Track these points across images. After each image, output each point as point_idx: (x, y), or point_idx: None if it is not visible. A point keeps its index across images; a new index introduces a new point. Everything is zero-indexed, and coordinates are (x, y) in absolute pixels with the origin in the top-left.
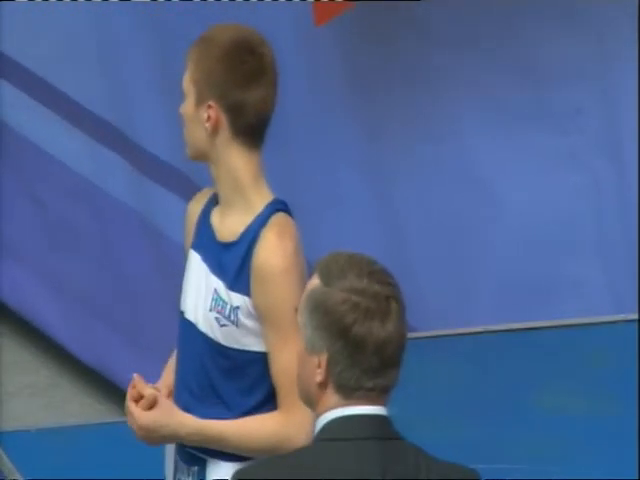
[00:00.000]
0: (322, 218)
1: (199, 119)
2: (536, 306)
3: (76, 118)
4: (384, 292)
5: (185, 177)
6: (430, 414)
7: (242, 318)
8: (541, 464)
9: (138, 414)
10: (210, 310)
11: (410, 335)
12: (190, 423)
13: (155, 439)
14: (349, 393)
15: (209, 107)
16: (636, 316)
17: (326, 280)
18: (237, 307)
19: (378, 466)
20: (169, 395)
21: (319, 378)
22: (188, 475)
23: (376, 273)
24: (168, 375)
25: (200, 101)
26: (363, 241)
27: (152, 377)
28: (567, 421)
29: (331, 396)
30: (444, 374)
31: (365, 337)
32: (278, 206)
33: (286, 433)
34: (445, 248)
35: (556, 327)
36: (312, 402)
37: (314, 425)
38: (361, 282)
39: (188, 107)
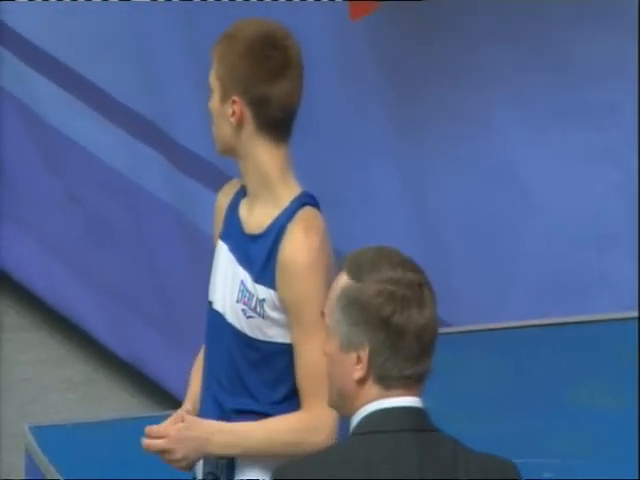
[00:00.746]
0: (355, 214)
1: (225, 114)
2: (571, 301)
3: (112, 113)
4: (417, 279)
5: (219, 171)
6: (466, 408)
7: (268, 310)
8: (576, 459)
9: (164, 427)
10: (237, 301)
11: (446, 330)
12: (217, 424)
13: (187, 451)
14: (389, 383)
15: (233, 102)
16: None
17: (357, 275)
18: (263, 299)
19: (414, 458)
20: (194, 412)
21: (359, 374)
22: (217, 467)
23: (407, 262)
24: (194, 386)
25: (225, 96)
26: (397, 237)
27: (188, 371)
28: (602, 416)
29: (370, 390)
30: (480, 369)
31: (406, 325)
32: (306, 200)
33: (309, 426)
34: (480, 243)
35: (591, 322)
36: (345, 401)
37: (337, 421)
38: (396, 272)
39: (214, 103)
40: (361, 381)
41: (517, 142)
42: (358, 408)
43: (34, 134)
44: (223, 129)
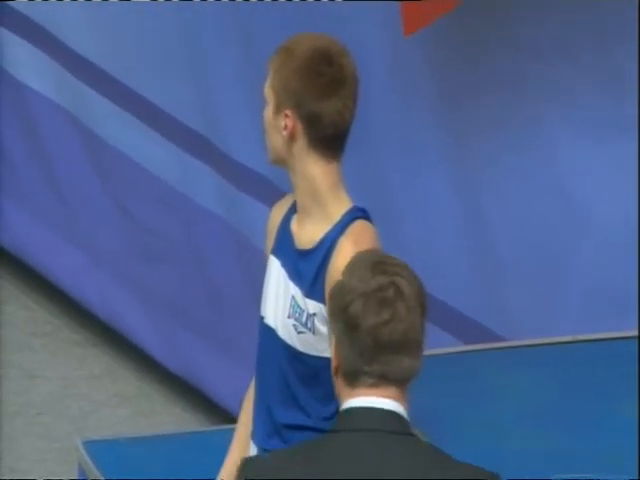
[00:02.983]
0: (409, 226)
1: (277, 126)
2: (624, 315)
3: (164, 127)
4: (386, 280)
5: (273, 185)
6: (519, 423)
7: (318, 325)
8: (631, 475)
9: None
10: (288, 317)
11: (498, 345)
12: None
13: None
14: (352, 379)
15: (286, 116)
16: None
17: (343, 274)
18: (313, 314)
19: (371, 461)
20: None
21: (334, 363)
22: None
23: (383, 264)
24: (231, 459)
25: (278, 109)
26: (450, 249)
27: (241, 385)
28: None
29: (342, 386)
30: (532, 384)
31: (359, 318)
32: (357, 214)
33: None
34: (532, 257)
35: None
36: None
37: None
38: (366, 272)
39: (268, 114)
40: (336, 373)
41: (570, 155)
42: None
43: (86, 148)
44: (275, 141)
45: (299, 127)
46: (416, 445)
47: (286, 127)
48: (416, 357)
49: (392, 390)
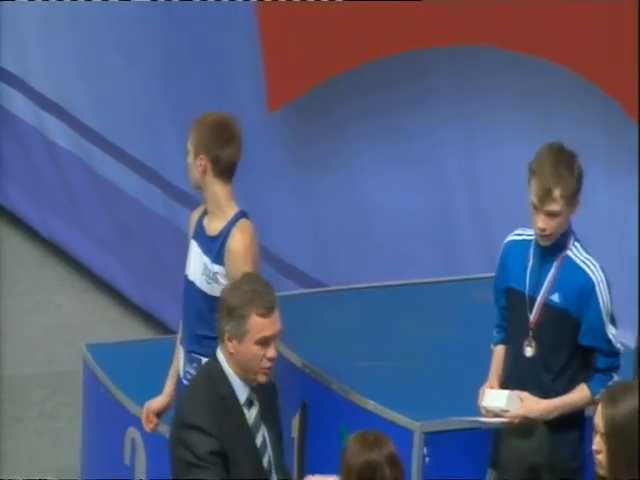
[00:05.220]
0: (266, 212)
1: (196, 165)
2: (401, 268)
3: (129, 162)
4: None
5: (195, 199)
6: (336, 347)
7: (219, 278)
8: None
9: None
10: (202, 275)
11: (322, 289)
12: None
13: None
14: None
15: (201, 159)
16: None
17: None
18: (217, 272)
19: None
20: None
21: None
22: (190, 367)
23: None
24: (174, 369)
25: (196, 155)
26: (291, 226)
27: (177, 311)
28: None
29: None
30: (347, 319)
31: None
32: (241, 215)
33: None
34: (349, 235)
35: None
36: None
37: None
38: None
39: (190, 158)
40: None
41: (368, 177)
42: None
43: (87, 175)
44: (194, 174)
45: (209, 165)
46: None
47: (201, 165)
48: None
49: None
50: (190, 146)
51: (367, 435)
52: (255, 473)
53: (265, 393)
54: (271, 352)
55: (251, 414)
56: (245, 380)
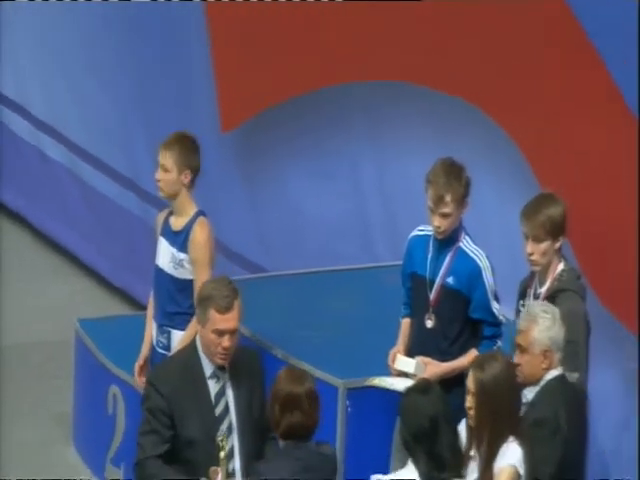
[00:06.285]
0: (216, 208)
1: (180, 180)
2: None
3: (110, 172)
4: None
5: (163, 203)
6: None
7: (185, 264)
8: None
9: None
10: (169, 262)
11: (263, 274)
12: None
13: None
14: None
15: (185, 174)
16: None
17: None
18: (182, 259)
19: None
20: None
21: None
22: (162, 338)
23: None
24: (147, 336)
25: (180, 171)
26: (240, 236)
27: (146, 291)
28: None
29: None
30: (286, 301)
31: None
32: (201, 213)
33: None
34: (290, 225)
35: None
36: None
37: None
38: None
39: (172, 174)
40: None
41: (300, 187)
42: None
43: (76, 183)
44: (176, 186)
45: (189, 177)
46: None
47: (186, 178)
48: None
49: None
50: (171, 164)
51: (295, 371)
52: (203, 434)
53: (252, 373)
54: (225, 342)
55: (216, 386)
56: (209, 358)
